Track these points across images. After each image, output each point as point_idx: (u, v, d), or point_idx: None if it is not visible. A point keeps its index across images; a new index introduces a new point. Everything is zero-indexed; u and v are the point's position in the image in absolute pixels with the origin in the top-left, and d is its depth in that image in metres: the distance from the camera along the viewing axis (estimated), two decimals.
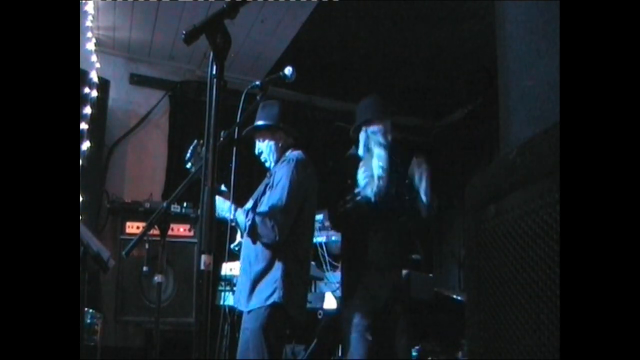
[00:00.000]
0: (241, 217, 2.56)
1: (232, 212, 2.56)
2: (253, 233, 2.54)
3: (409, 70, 5.09)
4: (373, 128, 2.79)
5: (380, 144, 2.65)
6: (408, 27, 4.46)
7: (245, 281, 2.61)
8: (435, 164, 2.47)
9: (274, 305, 2.49)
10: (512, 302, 1.00)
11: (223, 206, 2.55)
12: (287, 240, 2.54)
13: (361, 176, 2.59)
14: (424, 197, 2.75)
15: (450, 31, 4.45)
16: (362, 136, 2.83)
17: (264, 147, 2.78)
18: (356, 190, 2.58)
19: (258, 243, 2.59)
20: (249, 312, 2.56)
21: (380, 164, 2.60)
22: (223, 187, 2.62)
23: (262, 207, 2.61)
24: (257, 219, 2.52)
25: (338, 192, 2.76)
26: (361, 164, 2.69)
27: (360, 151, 2.81)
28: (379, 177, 2.57)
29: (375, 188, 2.56)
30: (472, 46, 4.54)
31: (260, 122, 2.75)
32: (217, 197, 2.56)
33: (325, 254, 3.69)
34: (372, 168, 2.62)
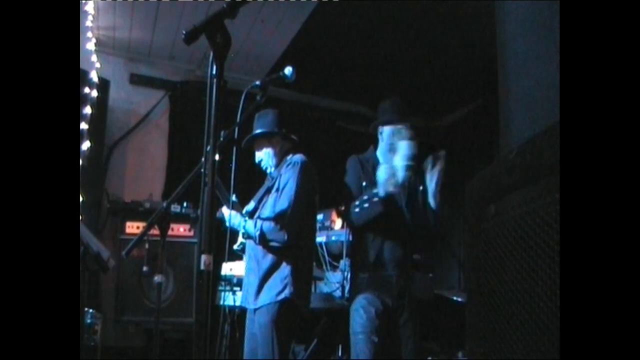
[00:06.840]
0: (251, 228, 2.65)
1: (243, 224, 2.67)
2: (263, 241, 2.62)
3: (409, 70, 5.08)
4: (396, 126, 2.69)
5: (406, 138, 2.49)
6: (408, 27, 4.46)
7: (253, 279, 2.66)
8: None
9: (284, 301, 2.54)
10: (512, 302, 1.00)
11: (234, 220, 2.68)
12: (294, 239, 2.61)
13: (382, 173, 2.40)
14: (432, 201, 2.59)
15: (450, 31, 4.45)
16: (384, 134, 2.76)
17: (263, 155, 2.85)
18: (374, 191, 2.44)
19: None
20: (258, 308, 2.58)
21: (407, 153, 2.40)
22: (234, 198, 2.67)
23: (267, 209, 2.68)
24: (266, 226, 2.60)
25: (354, 191, 2.67)
26: (381, 162, 2.55)
27: (380, 150, 2.76)
28: (406, 167, 2.37)
29: (399, 179, 2.37)
30: (472, 46, 4.54)
31: (257, 131, 2.82)
32: (230, 211, 2.66)
33: (326, 254, 3.69)
34: (394, 165, 2.44)
